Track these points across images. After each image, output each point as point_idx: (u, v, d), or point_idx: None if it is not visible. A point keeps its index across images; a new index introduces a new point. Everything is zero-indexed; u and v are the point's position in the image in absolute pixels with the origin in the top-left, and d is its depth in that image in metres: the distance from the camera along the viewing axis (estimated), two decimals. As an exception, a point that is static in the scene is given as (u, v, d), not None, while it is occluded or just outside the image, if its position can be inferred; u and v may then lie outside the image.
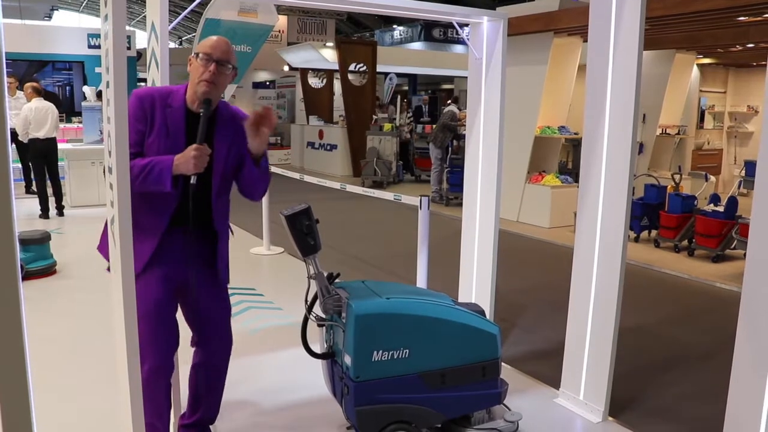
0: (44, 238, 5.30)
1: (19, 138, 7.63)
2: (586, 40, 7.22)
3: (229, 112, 2.43)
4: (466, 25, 3.71)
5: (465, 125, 8.55)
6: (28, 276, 5.06)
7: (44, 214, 7.77)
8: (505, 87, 3.57)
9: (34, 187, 9.15)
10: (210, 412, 2.63)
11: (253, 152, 2.33)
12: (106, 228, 2.16)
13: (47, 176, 7.82)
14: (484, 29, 3.59)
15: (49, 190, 7.88)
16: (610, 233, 2.98)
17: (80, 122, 10.04)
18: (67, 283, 5.21)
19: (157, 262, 2.31)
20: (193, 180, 2.21)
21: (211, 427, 2.67)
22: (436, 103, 18.83)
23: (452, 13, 3.48)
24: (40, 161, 7.77)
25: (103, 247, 2.22)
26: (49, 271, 5.31)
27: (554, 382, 3.36)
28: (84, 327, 4.17)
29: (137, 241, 2.17)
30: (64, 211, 8.00)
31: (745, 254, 2.36)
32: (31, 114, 7.56)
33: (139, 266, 2.22)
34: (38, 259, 5.23)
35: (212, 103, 2.30)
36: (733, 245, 6.27)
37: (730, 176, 11.42)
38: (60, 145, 9.37)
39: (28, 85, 7.93)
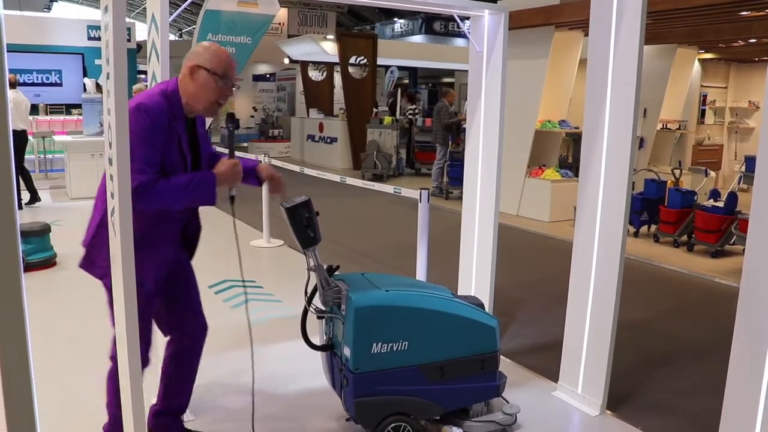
0: (44, 230, 5.31)
1: None
2: (587, 34, 7.21)
3: None
4: (467, 18, 3.70)
5: (465, 119, 8.54)
6: (28, 268, 5.07)
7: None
8: (505, 80, 3.56)
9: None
10: (183, 398, 2.65)
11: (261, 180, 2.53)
12: (96, 241, 2.19)
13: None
14: (485, 22, 3.58)
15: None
16: (610, 228, 2.98)
17: (80, 114, 10.03)
18: (67, 274, 5.22)
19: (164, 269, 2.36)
20: (233, 192, 2.35)
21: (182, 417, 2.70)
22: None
23: (453, 6, 3.47)
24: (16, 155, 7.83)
25: (88, 264, 2.29)
26: (49, 262, 5.32)
27: (553, 375, 3.38)
28: (84, 318, 4.18)
29: (150, 258, 2.24)
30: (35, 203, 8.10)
31: (744, 250, 2.36)
32: (10, 105, 7.58)
33: (153, 286, 2.29)
34: (38, 251, 5.25)
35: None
36: (732, 241, 6.28)
37: (730, 172, 11.42)
38: (60, 137, 9.38)
39: None
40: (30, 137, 8.51)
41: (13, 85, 7.97)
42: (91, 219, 2.32)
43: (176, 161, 2.23)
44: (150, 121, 2.14)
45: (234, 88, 2.35)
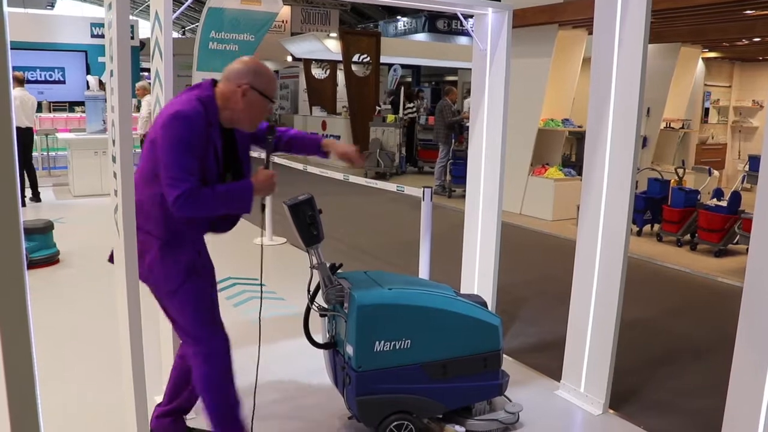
0: (47, 228, 5.32)
1: None
2: (591, 33, 7.19)
3: None
4: (471, 16, 3.70)
5: (467, 117, 8.52)
6: (31, 265, 5.08)
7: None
8: (509, 79, 3.55)
9: None
10: (191, 401, 2.64)
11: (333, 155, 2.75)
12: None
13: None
14: (489, 20, 3.57)
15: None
16: (613, 226, 2.97)
17: (83, 111, 10.04)
18: (70, 272, 5.23)
19: (198, 259, 2.41)
20: (265, 201, 2.36)
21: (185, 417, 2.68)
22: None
23: (457, 4, 3.46)
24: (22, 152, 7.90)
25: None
26: (52, 260, 5.34)
27: (555, 374, 3.37)
28: (87, 315, 4.20)
29: (179, 250, 2.30)
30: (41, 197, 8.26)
31: (747, 249, 2.36)
32: (16, 103, 7.64)
33: (183, 272, 2.31)
34: (42, 248, 5.26)
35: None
36: (735, 240, 6.26)
37: (733, 171, 11.39)
38: (63, 135, 9.38)
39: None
40: (33, 134, 8.56)
41: (21, 82, 8.00)
42: None
43: (211, 167, 2.23)
44: (189, 129, 2.14)
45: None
